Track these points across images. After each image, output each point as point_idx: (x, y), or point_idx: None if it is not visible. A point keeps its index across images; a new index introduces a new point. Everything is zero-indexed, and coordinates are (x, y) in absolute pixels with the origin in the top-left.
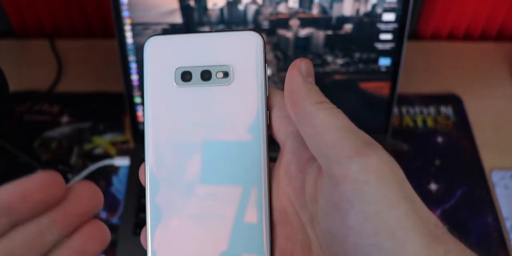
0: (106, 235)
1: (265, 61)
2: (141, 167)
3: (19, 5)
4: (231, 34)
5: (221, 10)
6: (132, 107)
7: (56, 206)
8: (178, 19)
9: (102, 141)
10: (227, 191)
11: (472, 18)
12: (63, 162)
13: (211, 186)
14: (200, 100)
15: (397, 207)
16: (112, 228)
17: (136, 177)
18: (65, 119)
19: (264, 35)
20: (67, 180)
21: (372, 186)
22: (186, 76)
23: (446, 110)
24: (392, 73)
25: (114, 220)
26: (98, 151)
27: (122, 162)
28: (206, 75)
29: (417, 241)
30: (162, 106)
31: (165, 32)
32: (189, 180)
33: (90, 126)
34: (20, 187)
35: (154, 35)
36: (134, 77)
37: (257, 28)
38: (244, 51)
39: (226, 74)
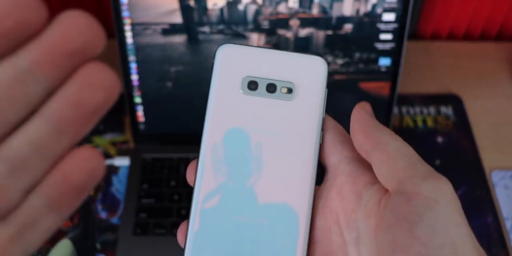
0: (111, 80)
1: (326, 85)
2: (191, 164)
3: None
4: (299, 55)
5: (221, 10)
6: (132, 107)
7: (36, 40)
8: (178, 19)
9: (102, 141)
10: (271, 201)
11: (472, 18)
12: None
13: (257, 194)
14: (261, 110)
15: (461, 228)
16: (112, 228)
17: (136, 177)
18: None
19: (327, 62)
20: None
21: (441, 205)
22: (252, 85)
23: (446, 110)
24: (392, 73)
25: (114, 220)
26: (98, 151)
27: (122, 162)
28: (271, 88)
29: None
30: (224, 109)
31: (165, 32)
32: (237, 184)
33: None
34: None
35: (226, 42)
36: (134, 77)
37: (257, 28)
38: (309, 73)
39: (290, 91)
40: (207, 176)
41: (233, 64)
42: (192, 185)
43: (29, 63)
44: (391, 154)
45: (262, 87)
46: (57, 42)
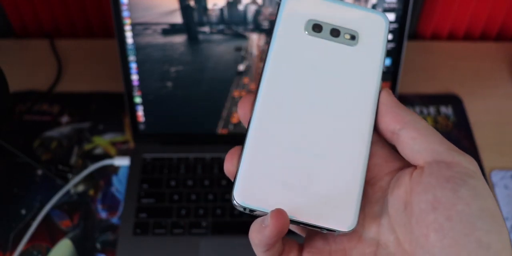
0: None
1: (386, 40)
2: (244, 98)
3: (19, 5)
4: (364, 9)
5: (221, 10)
6: (132, 107)
7: None
8: (178, 19)
9: (102, 141)
10: (325, 140)
11: (472, 18)
12: (63, 162)
13: (316, 131)
14: (323, 52)
15: (493, 199)
16: (112, 228)
17: (136, 177)
18: (65, 119)
19: (388, 19)
20: (66, 180)
21: (479, 177)
22: (316, 28)
23: (446, 110)
24: (392, 73)
25: (114, 220)
26: (98, 151)
27: (122, 162)
28: (335, 33)
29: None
30: (287, 49)
31: (165, 32)
32: (297, 119)
33: (90, 126)
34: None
35: None
36: (134, 77)
37: (257, 28)
38: (372, 26)
39: (353, 37)
40: (264, 109)
41: (299, 7)
42: (243, 121)
43: None
44: (421, 131)
45: (326, 30)
46: None
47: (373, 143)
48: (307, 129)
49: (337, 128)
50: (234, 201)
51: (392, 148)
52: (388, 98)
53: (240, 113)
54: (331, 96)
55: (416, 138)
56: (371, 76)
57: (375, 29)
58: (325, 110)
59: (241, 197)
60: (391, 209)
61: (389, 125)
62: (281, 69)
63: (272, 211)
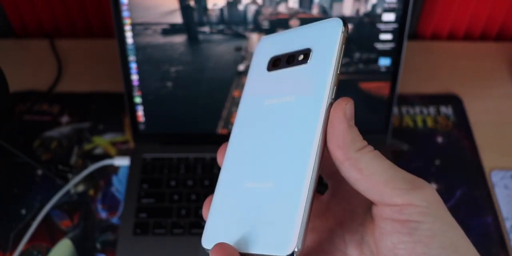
0: None
1: (341, 43)
2: (221, 147)
3: (19, 5)
4: (318, 22)
5: (221, 10)
6: (132, 107)
7: None
8: (178, 19)
9: (102, 141)
10: (278, 165)
11: (472, 18)
12: (63, 162)
13: (266, 158)
14: (281, 79)
15: (457, 229)
16: (112, 228)
17: (136, 177)
18: (65, 119)
19: (345, 20)
20: (66, 180)
21: (434, 211)
22: (276, 62)
23: (446, 110)
24: (392, 73)
25: (114, 220)
26: (98, 151)
27: (122, 162)
28: (291, 59)
29: None
30: (253, 87)
31: (165, 32)
32: (250, 150)
33: (90, 126)
34: None
35: (266, 36)
36: (134, 77)
37: (257, 28)
38: (324, 34)
39: (306, 56)
40: (230, 152)
41: (265, 50)
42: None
43: None
44: (364, 172)
45: (283, 61)
46: None
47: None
48: (258, 158)
49: (285, 152)
50: (202, 245)
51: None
52: (337, 123)
53: (218, 161)
54: (283, 120)
55: (360, 180)
56: (321, 88)
57: (329, 37)
58: (278, 139)
59: (206, 242)
60: (370, 241)
61: (334, 157)
62: (247, 106)
63: (213, 246)
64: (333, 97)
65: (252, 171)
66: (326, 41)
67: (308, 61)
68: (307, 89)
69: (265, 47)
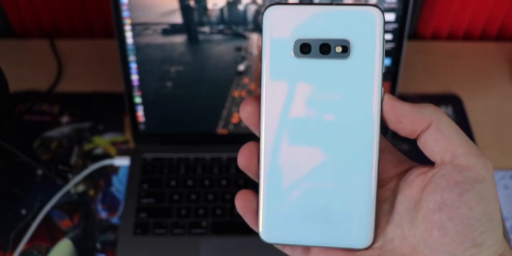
0: None
1: (384, 38)
2: (246, 146)
3: (19, 5)
4: (352, 8)
5: (221, 10)
6: (132, 107)
7: None
8: (178, 19)
9: (102, 141)
10: (336, 165)
11: (472, 18)
12: (63, 162)
13: (321, 159)
14: (317, 73)
15: (497, 204)
16: (112, 228)
17: (136, 177)
18: (65, 119)
19: (382, 11)
20: (66, 180)
21: (487, 181)
22: (305, 49)
23: (446, 110)
24: (392, 73)
25: (114, 220)
26: (98, 151)
27: (122, 162)
28: (325, 48)
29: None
30: (279, 76)
31: (165, 32)
32: (298, 150)
33: (90, 126)
34: None
35: (274, 3)
36: (134, 77)
37: (257, 28)
38: (363, 26)
39: (345, 49)
40: (269, 146)
41: (282, 27)
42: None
43: None
44: (444, 132)
45: (315, 48)
46: None
47: (381, 150)
48: (315, 157)
49: (344, 150)
50: (262, 239)
51: (398, 150)
52: (395, 103)
53: (240, 162)
54: (333, 118)
55: (438, 140)
56: (369, 87)
57: (369, 28)
58: (329, 133)
59: (267, 236)
60: (400, 206)
61: (414, 129)
62: (278, 101)
63: None
64: (382, 97)
65: (309, 165)
66: (365, 34)
67: (349, 56)
68: (354, 88)
69: (280, 21)
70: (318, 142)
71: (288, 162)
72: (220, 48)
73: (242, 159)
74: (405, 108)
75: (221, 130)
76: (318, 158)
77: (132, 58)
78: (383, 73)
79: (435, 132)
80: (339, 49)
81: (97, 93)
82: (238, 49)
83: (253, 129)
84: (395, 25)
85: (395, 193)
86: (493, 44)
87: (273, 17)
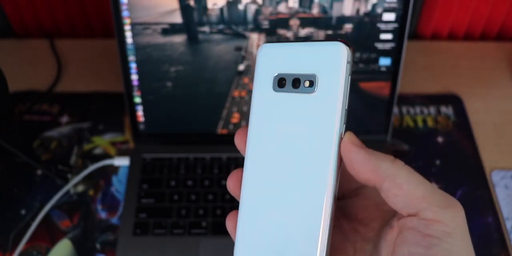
0: None
1: (349, 73)
2: (235, 172)
3: (19, 5)
4: (321, 44)
5: (221, 10)
6: (132, 107)
7: None
8: (178, 19)
9: (102, 141)
10: (296, 198)
11: (473, 18)
12: (62, 162)
13: (284, 191)
14: (289, 106)
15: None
16: (112, 228)
17: (136, 177)
18: (65, 119)
19: (351, 46)
20: (66, 180)
21: (458, 234)
22: (281, 83)
23: (446, 110)
24: (392, 73)
25: (114, 220)
26: (98, 151)
27: (122, 162)
28: (296, 83)
29: None
30: (260, 108)
31: (165, 32)
32: (268, 181)
33: (90, 126)
34: None
35: (267, 42)
36: (134, 77)
37: (257, 28)
38: (328, 61)
39: (311, 83)
40: (247, 173)
41: (268, 63)
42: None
43: None
44: (403, 186)
45: (289, 83)
46: None
47: (364, 186)
48: (278, 190)
49: (302, 184)
50: None
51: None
52: (354, 149)
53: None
54: (297, 152)
55: (398, 195)
56: (330, 123)
57: (333, 63)
58: (291, 167)
59: None
60: (383, 252)
61: (368, 181)
62: (257, 132)
63: None
64: (343, 132)
65: (272, 201)
66: (330, 68)
67: (315, 90)
68: (317, 122)
69: (268, 57)
70: (281, 176)
71: (257, 193)
72: (220, 48)
73: (231, 184)
74: (360, 156)
75: (221, 130)
76: (281, 191)
77: (132, 58)
78: (347, 109)
79: (393, 187)
80: (306, 84)
81: (97, 93)
82: (238, 49)
83: (243, 154)
84: (395, 25)
85: (378, 236)
86: (494, 44)
87: (262, 55)
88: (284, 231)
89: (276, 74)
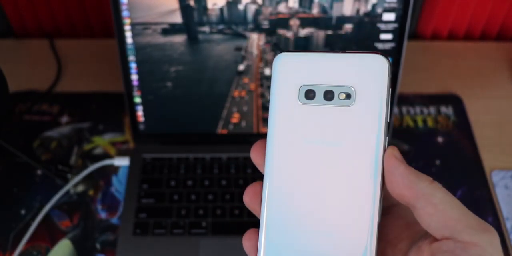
0: None
1: (390, 86)
2: (252, 186)
3: (19, 5)
4: (356, 55)
5: (221, 10)
6: (132, 107)
7: None
8: (178, 19)
9: (102, 141)
10: (336, 217)
11: (472, 18)
12: (62, 162)
13: (322, 210)
14: (321, 119)
15: None
16: (112, 228)
17: (136, 177)
18: (64, 119)
19: (388, 60)
20: (66, 180)
21: None
22: (309, 94)
23: (446, 110)
24: (392, 73)
25: (114, 220)
26: (98, 151)
27: (122, 162)
28: (329, 95)
29: None
30: (285, 121)
31: (165, 32)
32: (302, 198)
33: (90, 126)
34: None
35: (283, 51)
36: (134, 77)
37: (257, 27)
38: (368, 74)
39: (348, 96)
40: (271, 190)
41: (290, 73)
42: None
43: None
44: (438, 207)
45: (319, 95)
46: None
47: (395, 205)
48: (314, 206)
49: (343, 201)
50: None
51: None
52: (395, 166)
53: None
54: (335, 166)
55: (433, 215)
56: (372, 136)
57: (373, 76)
58: (330, 182)
59: None
60: None
61: (403, 197)
62: (283, 146)
63: None
64: (386, 145)
65: (306, 224)
66: (371, 82)
67: (353, 103)
68: (357, 135)
69: (288, 68)
70: (318, 190)
71: (287, 208)
72: (220, 48)
73: (247, 199)
74: (400, 170)
75: (221, 130)
76: (317, 207)
77: (132, 58)
78: (389, 122)
79: (428, 206)
80: (342, 96)
81: (97, 93)
82: (238, 49)
83: (259, 169)
84: (395, 25)
85: None
86: (494, 44)
87: (282, 64)
88: (322, 247)
89: (302, 85)
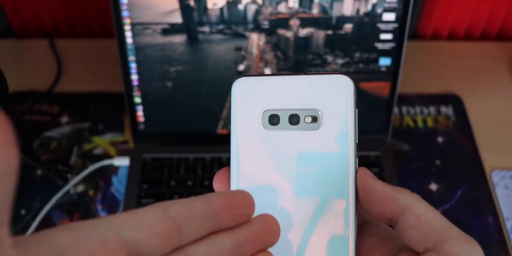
0: None
1: (356, 106)
2: (220, 172)
3: (19, 5)
4: (320, 77)
5: (221, 10)
6: (132, 107)
7: (242, 227)
8: (178, 19)
9: (102, 141)
10: (310, 240)
11: (473, 18)
12: (62, 162)
13: (293, 243)
14: (288, 144)
15: None
16: None
17: (136, 177)
18: (64, 119)
19: (352, 80)
20: (66, 180)
21: None
22: (274, 120)
23: (446, 110)
24: (392, 73)
25: None
26: (98, 151)
27: (122, 162)
28: (294, 119)
29: None
30: (249, 148)
31: (165, 32)
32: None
33: (90, 126)
34: (228, 197)
35: (243, 75)
36: (134, 77)
37: (257, 28)
38: (333, 95)
39: (314, 119)
40: None
41: (251, 98)
42: None
43: (238, 241)
44: (422, 218)
45: (284, 119)
46: (254, 234)
47: (367, 222)
48: (288, 234)
49: (319, 224)
50: None
51: (388, 225)
52: (369, 181)
53: (216, 187)
54: (305, 192)
55: (416, 227)
56: (342, 158)
57: (338, 97)
58: (303, 209)
59: None
60: None
61: (384, 213)
62: (249, 174)
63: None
64: (357, 166)
65: (282, 251)
66: (337, 103)
67: (320, 126)
68: (326, 158)
69: (249, 93)
70: (290, 219)
71: None
72: (220, 48)
73: (218, 184)
74: (376, 187)
75: (221, 130)
76: (292, 237)
77: (132, 58)
78: (357, 143)
79: (411, 218)
80: (308, 119)
81: (97, 93)
82: (238, 49)
83: None
84: (395, 25)
85: None
86: (494, 44)
87: (242, 89)
88: None
89: (265, 110)
